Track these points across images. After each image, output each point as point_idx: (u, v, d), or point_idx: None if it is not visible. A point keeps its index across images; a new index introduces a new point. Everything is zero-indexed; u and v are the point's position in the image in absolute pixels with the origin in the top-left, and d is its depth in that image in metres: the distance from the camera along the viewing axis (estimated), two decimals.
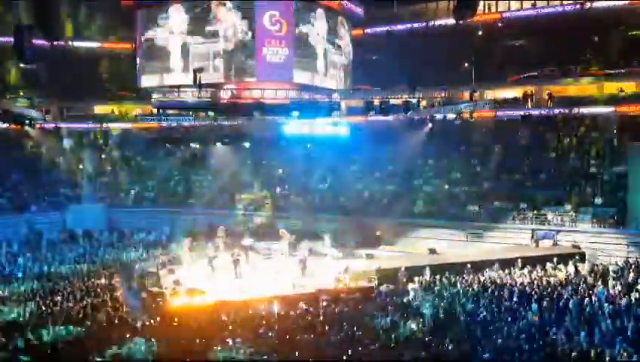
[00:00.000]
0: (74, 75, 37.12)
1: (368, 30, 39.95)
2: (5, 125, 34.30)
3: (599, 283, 19.01)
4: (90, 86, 38.43)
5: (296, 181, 35.47)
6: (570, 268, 21.20)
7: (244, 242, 25.84)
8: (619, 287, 18.20)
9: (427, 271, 20.86)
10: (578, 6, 33.53)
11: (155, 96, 32.90)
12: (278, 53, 32.74)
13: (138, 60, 33.74)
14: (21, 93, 38.02)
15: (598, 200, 27.51)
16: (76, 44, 37.99)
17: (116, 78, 39.27)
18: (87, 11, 38.39)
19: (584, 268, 21.46)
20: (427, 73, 36.83)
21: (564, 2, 34.12)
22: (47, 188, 36.25)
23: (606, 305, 16.48)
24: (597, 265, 21.85)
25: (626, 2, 31.74)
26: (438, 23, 37.48)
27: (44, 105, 37.56)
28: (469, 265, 21.51)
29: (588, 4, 32.94)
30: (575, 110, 32.15)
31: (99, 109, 41.52)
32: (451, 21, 33.02)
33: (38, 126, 34.76)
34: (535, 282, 19.48)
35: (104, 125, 39.94)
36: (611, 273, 20.46)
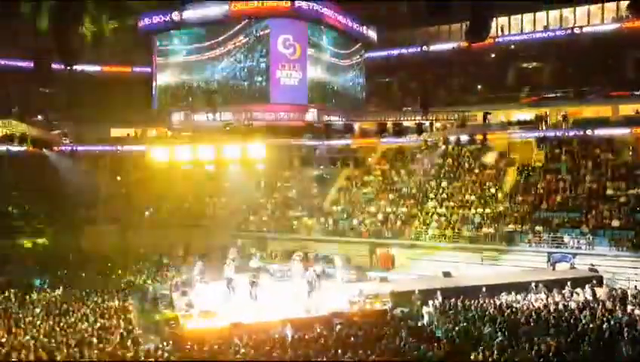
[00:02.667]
0: (91, 98, 37.73)
1: (381, 53, 40.36)
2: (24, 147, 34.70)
3: (617, 307, 18.63)
4: (106, 109, 38.86)
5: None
6: (588, 292, 20.81)
7: (252, 263, 25.72)
8: (638, 311, 17.81)
9: (441, 295, 20.61)
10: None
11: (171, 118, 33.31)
12: (292, 77, 33.14)
13: (154, 83, 34.26)
14: (39, 117, 38.63)
15: (616, 223, 27.08)
16: (93, 68, 38.71)
17: (132, 100, 39.78)
18: (104, 35, 39.07)
19: (602, 292, 21.05)
20: (440, 95, 37.02)
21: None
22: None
23: (626, 329, 16.10)
24: (615, 289, 21.43)
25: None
26: (451, 45, 37.81)
27: (61, 128, 38.08)
28: (484, 289, 21.22)
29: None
30: (590, 132, 31.97)
31: (115, 132, 42.03)
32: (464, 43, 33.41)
33: (55, 149, 35.24)
34: (552, 306, 19.14)
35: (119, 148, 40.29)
36: (630, 297, 20.05)
